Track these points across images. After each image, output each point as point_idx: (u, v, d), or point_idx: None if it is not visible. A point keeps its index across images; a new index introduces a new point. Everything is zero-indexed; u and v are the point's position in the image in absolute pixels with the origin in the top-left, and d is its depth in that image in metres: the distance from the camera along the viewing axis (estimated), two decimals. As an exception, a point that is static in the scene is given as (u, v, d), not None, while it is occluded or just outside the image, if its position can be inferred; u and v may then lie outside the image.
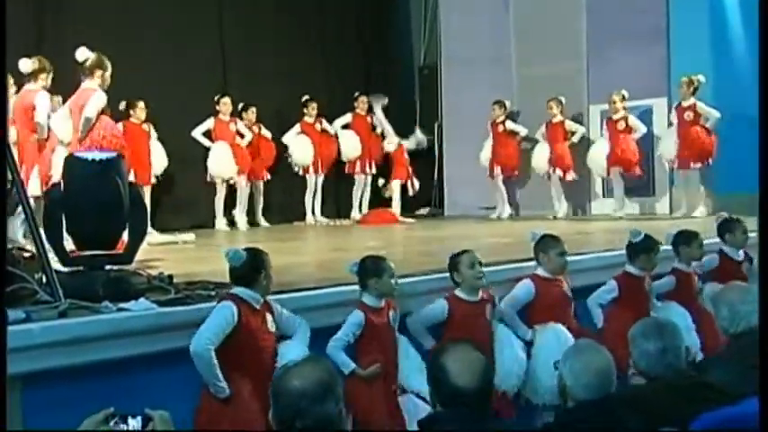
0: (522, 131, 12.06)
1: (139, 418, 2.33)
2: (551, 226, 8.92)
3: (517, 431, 3.23)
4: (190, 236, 9.44)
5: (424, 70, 14.46)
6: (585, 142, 11.61)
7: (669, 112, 11.02)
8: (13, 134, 7.19)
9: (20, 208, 4.94)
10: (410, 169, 12.45)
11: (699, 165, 10.61)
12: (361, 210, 12.44)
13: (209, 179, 11.14)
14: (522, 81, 12.50)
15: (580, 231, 9.20)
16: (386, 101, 12.39)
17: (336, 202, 12.66)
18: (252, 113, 11.61)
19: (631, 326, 5.42)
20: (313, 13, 13.24)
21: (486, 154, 12.09)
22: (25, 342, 3.83)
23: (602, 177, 11.52)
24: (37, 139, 7.40)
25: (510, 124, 12.05)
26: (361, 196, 12.49)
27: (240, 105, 11.49)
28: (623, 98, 11.01)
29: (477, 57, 12.73)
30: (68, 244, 4.98)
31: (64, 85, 7.64)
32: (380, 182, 12.48)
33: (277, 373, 2.81)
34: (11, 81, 7.58)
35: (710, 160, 10.56)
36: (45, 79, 7.46)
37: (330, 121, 12.25)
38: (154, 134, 10.51)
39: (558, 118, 11.56)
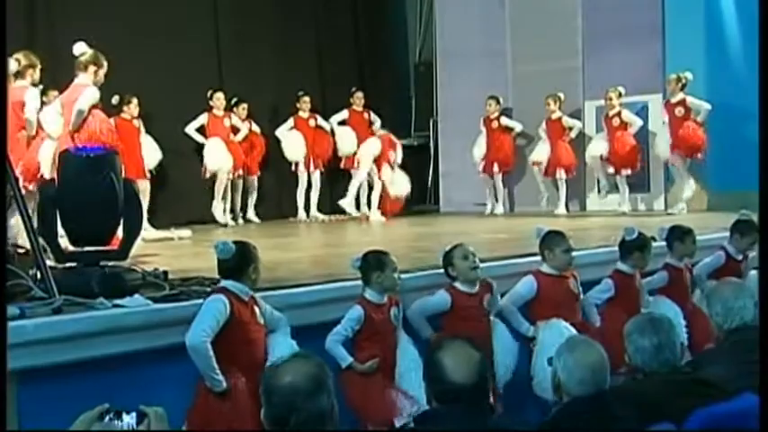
0: (518, 127, 12.06)
1: (134, 414, 2.33)
2: (549, 222, 8.92)
3: (512, 428, 3.22)
4: (185, 232, 9.44)
5: (420, 66, 14.46)
6: (582, 138, 11.60)
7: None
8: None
9: (14, 204, 4.93)
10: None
11: (689, 158, 10.61)
12: (359, 206, 12.41)
13: (208, 175, 11.10)
14: (517, 77, 12.49)
15: (578, 227, 9.19)
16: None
17: (332, 198, 12.64)
18: (243, 109, 11.61)
19: (625, 322, 5.49)
20: (308, 8, 13.23)
21: (478, 150, 12.08)
22: (19, 338, 3.82)
23: (600, 174, 11.50)
24: (26, 135, 7.37)
25: (505, 120, 12.05)
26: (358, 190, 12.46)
27: (235, 99, 11.48)
28: (620, 95, 11.01)
29: (472, 53, 12.73)
30: (63, 240, 4.97)
31: (58, 80, 7.63)
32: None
33: (267, 372, 2.80)
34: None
35: (701, 153, 10.56)
36: (33, 75, 7.43)
37: (324, 117, 12.24)
38: (144, 129, 10.49)
39: (557, 114, 11.55)
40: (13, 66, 7.39)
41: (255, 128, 11.81)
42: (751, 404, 3.32)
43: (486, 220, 11.40)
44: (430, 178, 13.87)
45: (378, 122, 12.53)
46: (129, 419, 2.32)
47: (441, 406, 2.97)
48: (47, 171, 7.02)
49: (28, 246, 4.76)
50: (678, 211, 10.44)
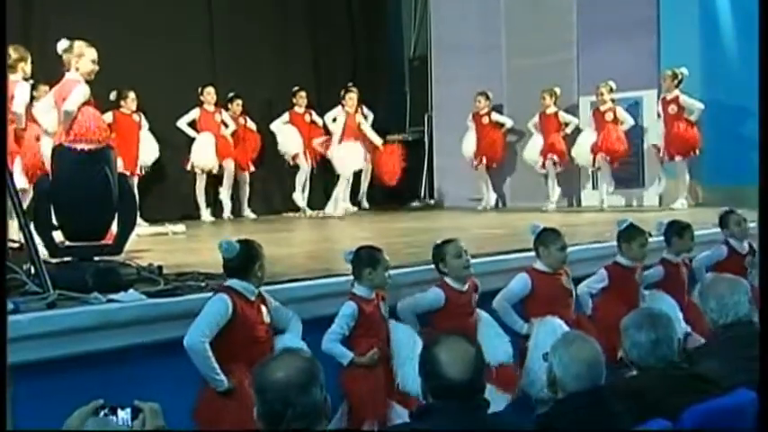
0: (508, 123, 12.06)
1: (129, 410, 2.32)
2: (541, 217, 8.93)
3: (507, 423, 3.23)
4: (180, 227, 9.42)
5: (415, 61, 14.43)
6: (577, 134, 11.59)
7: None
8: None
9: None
10: None
11: (682, 157, 10.62)
12: (360, 202, 12.39)
13: (188, 168, 11.11)
14: (512, 72, 12.49)
15: (570, 223, 9.20)
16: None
17: (325, 193, 12.62)
18: (237, 105, 11.60)
19: (620, 316, 5.48)
20: (303, 3, 13.20)
21: (468, 146, 12.07)
22: (14, 333, 3.80)
23: (590, 168, 11.51)
24: (14, 129, 7.34)
25: (495, 116, 12.05)
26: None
27: (230, 95, 11.48)
28: (611, 90, 11.02)
29: (467, 48, 12.72)
30: (57, 235, 4.96)
31: (51, 73, 7.59)
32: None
33: (258, 370, 2.80)
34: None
35: (695, 152, 10.58)
36: (24, 68, 7.40)
37: (319, 113, 12.21)
38: (145, 124, 10.48)
39: (552, 109, 11.53)
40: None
41: (251, 124, 11.80)
42: (746, 400, 3.34)
43: (480, 216, 11.40)
44: (425, 173, 13.86)
45: (370, 117, 12.50)
46: (123, 415, 2.32)
47: (437, 401, 2.98)
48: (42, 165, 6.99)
49: (22, 240, 4.75)
50: (680, 206, 10.44)
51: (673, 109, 10.60)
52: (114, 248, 4.99)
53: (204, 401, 4.25)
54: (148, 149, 10.45)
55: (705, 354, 4.00)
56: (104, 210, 4.93)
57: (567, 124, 11.57)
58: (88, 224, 4.89)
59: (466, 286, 5.27)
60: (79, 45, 6.70)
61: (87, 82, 6.79)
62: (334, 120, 12.07)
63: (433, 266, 5.39)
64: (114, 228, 5.06)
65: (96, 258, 4.87)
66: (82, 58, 6.66)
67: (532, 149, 11.70)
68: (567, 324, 5.36)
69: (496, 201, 12.29)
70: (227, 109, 11.47)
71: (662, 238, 6.47)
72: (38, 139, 7.34)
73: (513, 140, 12.28)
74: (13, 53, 7.30)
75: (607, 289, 5.96)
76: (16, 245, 5.01)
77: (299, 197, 11.96)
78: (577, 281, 5.92)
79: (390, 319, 5.06)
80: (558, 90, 11.51)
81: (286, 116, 11.93)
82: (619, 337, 5.12)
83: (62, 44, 6.67)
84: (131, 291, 4.54)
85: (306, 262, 6.75)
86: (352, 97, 11.83)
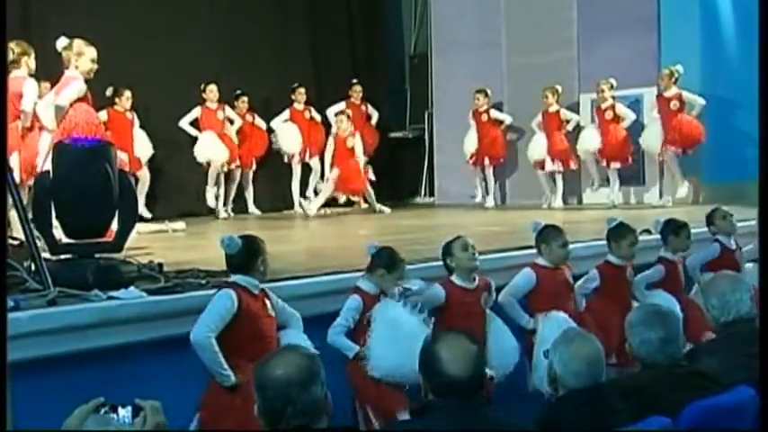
0: (508, 120, 12.04)
1: (130, 408, 2.31)
2: (543, 215, 8.94)
3: (508, 421, 3.23)
4: (180, 224, 9.43)
5: (415, 59, 14.43)
6: (579, 131, 11.57)
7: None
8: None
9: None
10: None
11: (683, 152, 10.63)
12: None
13: (202, 162, 11.05)
14: (512, 70, 12.48)
15: (572, 220, 9.20)
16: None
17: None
18: (243, 102, 11.59)
19: (613, 314, 5.50)
20: (303, 2, 13.20)
21: (469, 144, 12.06)
22: (14, 330, 3.80)
23: (591, 166, 11.50)
24: (21, 126, 7.34)
25: (495, 113, 12.03)
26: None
27: (237, 92, 11.48)
28: (611, 87, 11.01)
29: (467, 45, 12.72)
30: (58, 232, 4.96)
31: (52, 71, 7.60)
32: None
33: (258, 367, 2.79)
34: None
35: (694, 148, 10.57)
36: (28, 63, 7.39)
37: (320, 110, 12.21)
38: (137, 122, 10.47)
39: (554, 107, 11.49)
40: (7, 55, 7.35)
41: (259, 122, 11.79)
42: (746, 397, 3.34)
43: (480, 213, 11.41)
44: (425, 170, 13.86)
45: (375, 115, 12.52)
46: (124, 413, 2.31)
47: (437, 398, 2.97)
48: (42, 164, 6.98)
49: (22, 237, 4.75)
50: (665, 203, 10.46)
51: (674, 105, 10.58)
52: (115, 245, 4.99)
53: (211, 396, 4.26)
54: (142, 147, 10.43)
55: (705, 351, 4.00)
56: (104, 207, 4.93)
57: (568, 121, 11.56)
58: (88, 221, 4.88)
59: (474, 284, 5.25)
60: (78, 44, 6.70)
61: (86, 80, 6.80)
62: (336, 114, 12.10)
63: (433, 264, 5.39)
64: (114, 225, 5.06)
65: (97, 255, 4.87)
66: (81, 56, 6.66)
67: (536, 148, 11.66)
68: (570, 318, 5.39)
69: (495, 198, 12.27)
70: (233, 107, 11.47)
71: (659, 236, 6.48)
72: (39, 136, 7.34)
73: (514, 138, 12.27)
74: (16, 48, 7.29)
75: (600, 288, 5.96)
76: (17, 242, 5.00)
77: (297, 193, 11.98)
78: (579, 278, 5.92)
79: None
80: (559, 88, 11.49)
81: (286, 113, 11.92)
82: (613, 336, 5.18)
83: (61, 42, 6.67)
84: (132, 288, 4.54)
85: (306, 259, 6.75)
86: (357, 90, 12.20)
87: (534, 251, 5.75)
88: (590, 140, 11.20)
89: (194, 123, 11.15)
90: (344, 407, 4.67)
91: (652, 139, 10.85)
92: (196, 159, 11.06)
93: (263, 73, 12.25)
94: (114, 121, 10.08)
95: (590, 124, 11.37)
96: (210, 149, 11.03)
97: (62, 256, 4.87)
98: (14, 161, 7.16)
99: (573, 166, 11.52)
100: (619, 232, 6.02)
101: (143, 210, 9.61)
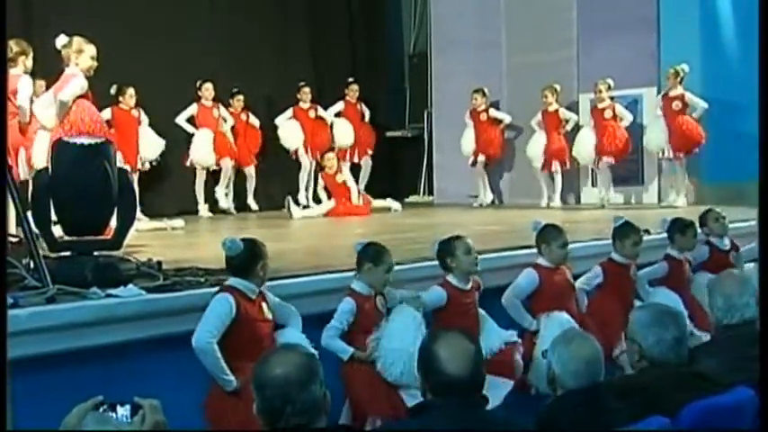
0: (507, 119, 12.04)
1: (128, 406, 2.31)
2: (542, 214, 8.92)
3: (506, 421, 3.23)
4: (179, 222, 9.42)
5: (414, 58, 14.43)
6: (577, 131, 11.57)
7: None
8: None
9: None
10: None
11: (684, 154, 10.63)
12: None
13: (188, 164, 11.13)
14: (511, 69, 12.48)
15: (571, 220, 9.20)
16: None
17: (325, 189, 12.61)
18: (239, 101, 11.60)
19: (615, 313, 5.51)
20: (303, 1, 13.19)
21: (467, 143, 12.06)
22: (13, 328, 3.79)
23: (590, 166, 11.50)
24: (19, 122, 7.34)
25: (493, 112, 12.03)
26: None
27: (233, 91, 11.48)
28: (609, 87, 11.01)
29: (467, 44, 12.71)
30: (56, 229, 4.95)
31: (52, 69, 7.59)
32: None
33: (257, 366, 2.79)
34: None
35: (696, 150, 10.58)
36: (25, 62, 7.39)
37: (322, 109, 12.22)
38: (145, 119, 10.48)
39: (554, 107, 11.48)
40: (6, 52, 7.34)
41: (253, 120, 11.79)
42: (745, 397, 3.33)
43: (479, 212, 11.41)
44: (424, 169, 13.86)
45: (367, 113, 12.53)
46: (123, 411, 2.30)
47: (435, 398, 2.97)
48: (39, 162, 6.98)
49: (21, 235, 4.74)
50: (681, 204, 10.45)
51: (677, 105, 10.59)
52: (113, 243, 4.98)
53: (213, 398, 4.26)
54: (151, 145, 10.43)
55: (706, 352, 3.99)
56: (104, 205, 4.92)
57: (567, 121, 11.56)
58: (87, 219, 4.88)
59: (469, 285, 5.26)
60: (78, 41, 6.69)
61: (86, 78, 6.80)
62: (337, 114, 12.10)
63: (430, 263, 5.38)
64: (113, 222, 5.05)
65: (95, 253, 4.86)
66: (81, 54, 6.65)
67: (535, 147, 11.66)
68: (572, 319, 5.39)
69: (493, 198, 12.28)
70: (227, 105, 11.47)
71: (665, 235, 6.50)
72: (36, 134, 7.34)
73: (512, 137, 12.27)
74: (14, 46, 7.29)
75: (602, 286, 5.97)
76: (15, 239, 5.00)
77: (303, 188, 11.98)
78: (578, 277, 5.93)
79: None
80: (558, 87, 11.49)
81: (290, 112, 11.92)
82: (615, 334, 5.18)
83: (61, 40, 6.66)
84: (131, 286, 4.54)
85: (305, 258, 6.75)
86: (354, 89, 12.28)
87: (532, 251, 5.76)
88: (586, 143, 11.19)
89: (191, 120, 11.16)
90: (338, 406, 4.66)
91: (654, 138, 10.85)
92: (187, 156, 11.08)
93: (263, 72, 12.25)
94: (118, 119, 10.09)
95: (587, 126, 11.35)
96: (204, 149, 11.04)
97: (61, 254, 4.86)
98: (20, 157, 7.18)
99: (568, 166, 11.50)
100: (623, 231, 6.04)
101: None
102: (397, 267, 5.24)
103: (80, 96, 6.68)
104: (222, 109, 11.37)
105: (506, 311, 5.52)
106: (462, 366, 2.93)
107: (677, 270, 6.37)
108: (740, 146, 9.90)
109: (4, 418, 2.98)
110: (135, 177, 9.83)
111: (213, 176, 11.42)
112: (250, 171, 11.77)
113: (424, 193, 13.83)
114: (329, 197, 11.44)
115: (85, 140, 5.08)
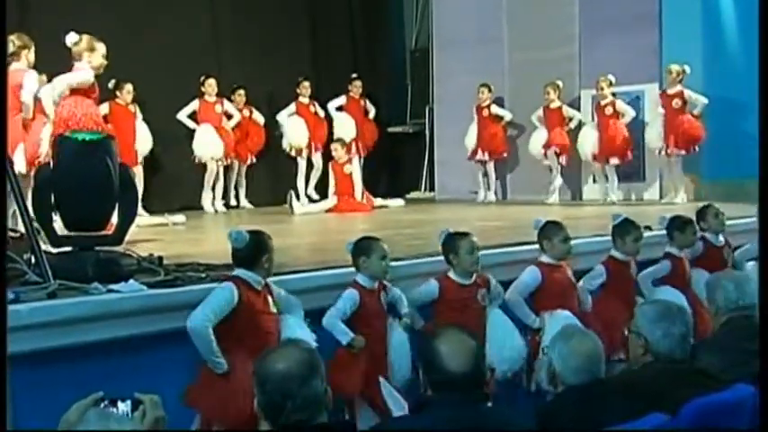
0: (507, 116, 12.02)
1: (129, 401, 2.32)
2: (543, 210, 8.93)
3: (507, 417, 3.23)
4: (180, 217, 9.42)
5: (416, 53, 14.41)
6: (579, 129, 11.54)
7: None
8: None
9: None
10: None
11: (685, 152, 10.62)
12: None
13: (197, 161, 11.11)
14: (513, 65, 12.46)
15: (573, 216, 9.19)
16: None
17: (325, 184, 12.60)
18: (240, 96, 11.60)
19: (617, 310, 5.50)
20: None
21: (470, 138, 12.05)
22: (14, 323, 3.80)
23: (594, 164, 11.49)
24: (22, 117, 7.34)
25: (495, 108, 12.01)
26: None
27: (234, 86, 11.48)
28: (610, 83, 10.99)
29: (468, 40, 12.69)
30: (58, 225, 4.95)
31: (52, 67, 7.60)
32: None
33: (259, 361, 2.79)
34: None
35: (697, 147, 10.58)
36: (28, 56, 7.39)
37: (319, 104, 12.19)
38: (140, 115, 10.47)
39: (556, 103, 11.44)
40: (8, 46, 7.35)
41: (257, 116, 11.79)
42: (745, 394, 3.34)
43: (481, 208, 11.39)
44: (425, 165, 13.86)
45: (372, 111, 12.52)
46: (123, 407, 2.31)
47: (436, 394, 2.97)
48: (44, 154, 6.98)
49: (22, 230, 4.75)
50: (681, 200, 10.44)
51: (677, 103, 10.57)
52: (115, 238, 4.99)
53: (201, 378, 4.27)
54: (142, 141, 10.42)
55: (707, 348, 3.99)
56: (105, 200, 4.92)
57: (570, 119, 11.53)
58: (89, 214, 4.88)
59: (471, 280, 5.24)
60: (89, 39, 6.71)
61: (95, 76, 6.81)
62: (338, 108, 12.08)
63: (432, 259, 5.37)
64: (115, 218, 5.06)
65: (97, 248, 4.87)
66: (94, 52, 6.68)
67: (536, 142, 11.64)
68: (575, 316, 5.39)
69: (496, 194, 12.27)
70: (230, 101, 11.46)
71: (664, 232, 6.48)
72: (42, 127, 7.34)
73: (514, 134, 12.26)
74: (16, 40, 7.30)
75: (605, 284, 5.96)
76: (17, 234, 5.00)
77: (303, 188, 11.98)
78: (580, 273, 5.92)
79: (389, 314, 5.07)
80: (560, 84, 11.47)
81: (292, 107, 11.89)
82: (618, 331, 5.18)
83: (71, 38, 6.66)
84: (132, 281, 4.53)
85: (305, 253, 6.75)
86: (357, 85, 12.27)
87: (534, 246, 5.75)
88: (588, 140, 11.17)
89: (192, 116, 11.16)
90: (340, 402, 4.66)
91: (655, 135, 10.84)
92: (193, 154, 11.07)
93: (264, 68, 12.23)
94: (116, 114, 10.07)
95: (589, 123, 11.34)
96: (207, 144, 11.03)
97: (62, 249, 4.87)
98: (17, 154, 7.17)
99: (566, 155, 11.45)
100: (624, 228, 6.03)
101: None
102: (398, 263, 5.25)
103: (85, 93, 6.69)
104: (228, 104, 11.36)
105: (509, 308, 5.51)
106: (463, 363, 2.93)
107: (679, 268, 6.37)
108: (741, 143, 9.90)
109: (4, 416, 2.98)
110: (140, 172, 9.86)
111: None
112: (241, 169, 11.78)
113: (425, 189, 13.81)
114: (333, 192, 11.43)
115: (87, 136, 5.08)
